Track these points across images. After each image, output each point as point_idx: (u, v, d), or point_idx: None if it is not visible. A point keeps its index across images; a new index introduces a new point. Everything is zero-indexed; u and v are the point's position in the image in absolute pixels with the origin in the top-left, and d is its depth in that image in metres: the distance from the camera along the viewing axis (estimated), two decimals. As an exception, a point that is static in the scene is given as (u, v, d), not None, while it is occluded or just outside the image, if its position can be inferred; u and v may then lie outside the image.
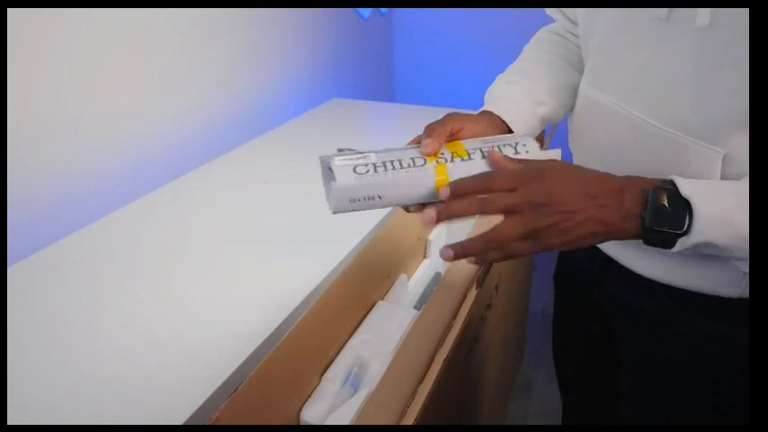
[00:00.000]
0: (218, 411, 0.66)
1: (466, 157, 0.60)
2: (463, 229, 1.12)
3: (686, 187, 0.52)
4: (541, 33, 0.89)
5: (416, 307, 1.08)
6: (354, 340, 0.92)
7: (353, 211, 0.59)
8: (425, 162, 0.59)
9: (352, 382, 0.83)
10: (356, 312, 0.96)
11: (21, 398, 0.66)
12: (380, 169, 0.57)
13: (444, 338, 0.89)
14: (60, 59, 1.05)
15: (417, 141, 0.63)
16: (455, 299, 0.96)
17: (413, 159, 0.59)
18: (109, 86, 1.15)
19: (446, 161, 0.59)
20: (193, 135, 1.39)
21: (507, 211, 0.54)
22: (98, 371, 0.70)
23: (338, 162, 0.58)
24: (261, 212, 1.08)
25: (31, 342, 0.76)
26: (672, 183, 0.53)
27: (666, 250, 0.54)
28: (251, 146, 1.42)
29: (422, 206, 0.61)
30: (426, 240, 1.22)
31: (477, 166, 0.60)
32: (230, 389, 0.69)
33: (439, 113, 1.78)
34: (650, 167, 0.59)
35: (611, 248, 0.75)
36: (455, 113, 0.67)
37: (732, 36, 0.52)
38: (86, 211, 1.08)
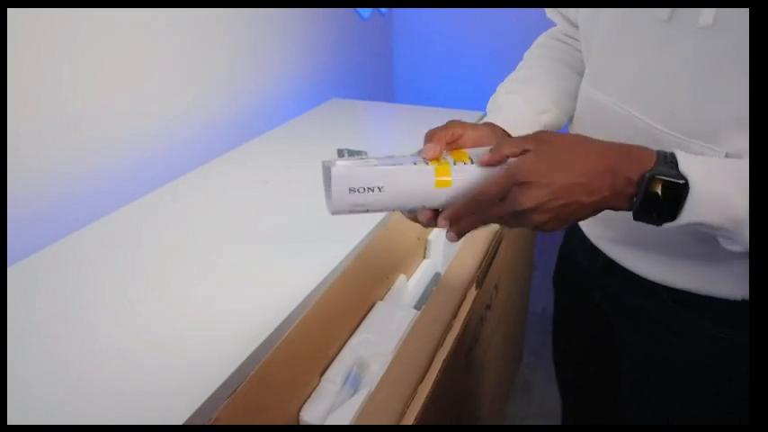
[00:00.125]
0: (218, 411, 0.66)
1: (468, 161, 0.59)
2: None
3: (687, 165, 0.51)
4: (542, 39, 0.88)
5: (416, 307, 1.08)
6: (354, 340, 0.92)
7: (352, 210, 0.58)
8: (427, 163, 0.59)
9: (352, 383, 0.83)
10: (356, 312, 0.96)
11: (21, 398, 0.66)
12: (381, 164, 0.58)
13: (444, 339, 0.89)
14: (60, 59, 1.05)
15: None
16: (455, 299, 0.96)
17: (414, 162, 0.59)
18: (109, 86, 1.15)
19: (448, 162, 0.59)
20: (193, 135, 1.39)
21: (502, 222, 0.56)
22: (98, 371, 0.70)
23: (340, 164, 0.57)
24: (261, 212, 1.08)
25: (31, 342, 0.76)
26: (672, 158, 0.53)
27: (670, 253, 0.54)
28: (251, 146, 1.42)
29: (433, 212, 0.61)
30: (426, 241, 1.22)
31: (478, 170, 0.60)
32: (230, 389, 0.69)
33: (438, 114, 1.78)
34: None
35: (614, 251, 0.75)
36: (457, 120, 0.67)
37: (736, 37, 0.52)
38: (86, 211, 1.08)
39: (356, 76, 2.23)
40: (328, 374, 0.86)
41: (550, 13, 0.86)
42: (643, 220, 0.54)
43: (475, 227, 0.57)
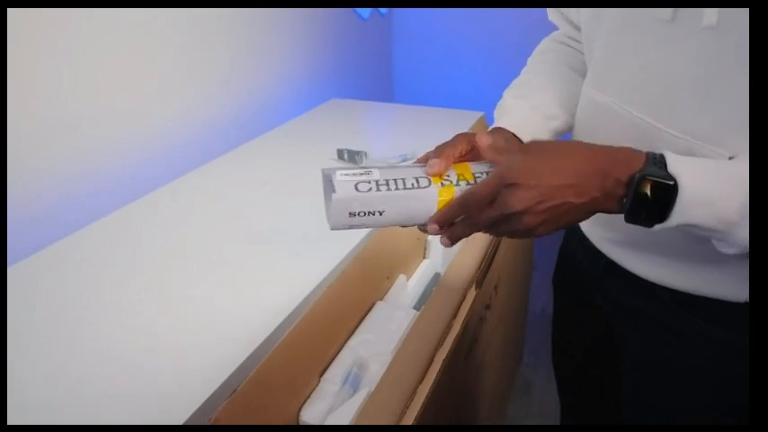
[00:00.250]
0: (218, 411, 0.66)
1: (472, 180, 0.58)
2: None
3: (675, 165, 0.52)
4: (545, 43, 0.88)
5: (416, 307, 1.08)
6: (354, 341, 0.92)
7: (351, 228, 0.57)
8: (430, 183, 0.57)
9: (352, 383, 0.83)
10: (356, 313, 0.96)
11: (21, 398, 0.66)
12: (383, 187, 0.56)
13: (444, 339, 0.89)
14: (60, 59, 1.05)
15: (425, 160, 0.61)
16: (454, 299, 0.96)
17: (417, 180, 0.57)
18: (109, 86, 1.15)
19: (452, 183, 0.58)
20: (193, 135, 1.39)
21: (492, 227, 0.56)
22: (98, 371, 0.71)
23: (340, 176, 0.56)
24: (261, 213, 1.08)
25: (31, 342, 0.76)
26: (662, 159, 0.53)
27: (672, 255, 0.54)
28: (250, 146, 1.42)
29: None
30: (426, 241, 1.22)
31: None
32: (230, 389, 0.69)
33: (438, 114, 1.77)
34: None
35: (615, 252, 0.75)
36: (465, 133, 0.66)
37: (739, 37, 0.51)
38: (86, 211, 1.08)
39: (356, 77, 2.23)
40: (328, 375, 0.86)
41: (552, 16, 0.86)
42: (634, 222, 0.54)
43: (468, 232, 0.57)
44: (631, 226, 0.55)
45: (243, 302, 0.82)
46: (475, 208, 0.55)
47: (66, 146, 1.08)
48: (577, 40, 0.84)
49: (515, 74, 0.90)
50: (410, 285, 1.13)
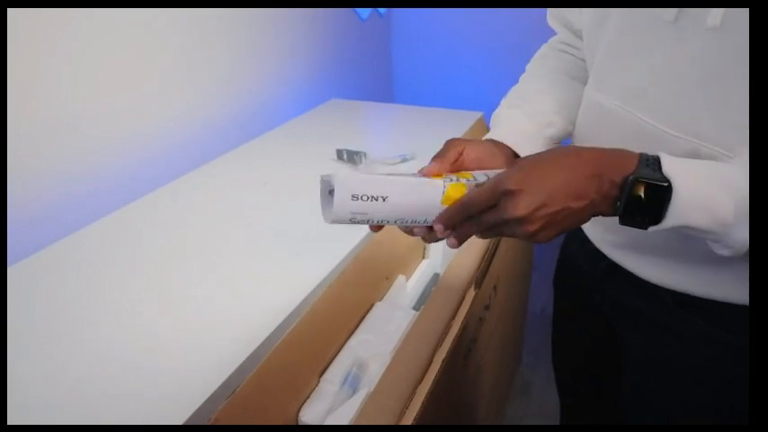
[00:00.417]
0: (218, 411, 0.67)
1: (471, 179, 0.59)
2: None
3: (670, 166, 0.52)
4: (543, 50, 0.88)
5: (415, 308, 1.09)
6: (353, 341, 0.92)
7: (351, 218, 0.55)
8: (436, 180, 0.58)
9: (351, 383, 0.83)
10: (355, 313, 0.96)
11: (21, 398, 0.66)
12: (389, 176, 0.56)
13: (443, 339, 0.89)
14: (60, 59, 1.05)
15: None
16: (453, 300, 0.96)
17: (423, 176, 0.59)
18: (109, 86, 1.15)
19: (462, 183, 0.58)
20: (193, 135, 1.39)
21: (494, 229, 0.56)
22: (98, 371, 0.71)
23: (342, 172, 0.56)
24: (260, 213, 1.08)
25: (31, 342, 0.76)
26: (656, 160, 0.53)
27: (676, 257, 0.53)
28: (250, 146, 1.42)
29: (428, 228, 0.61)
30: (425, 241, 1.22)
31: None
32: (230, 389, 0.69)
33: (438, 114, 1.77)
34: None
35: (618, 255, 0.75)
36: (453, 139, 0.66)
37: (744, 37, 0.51)
38: (86, 211, 1.08)
39: (355, 77, 2.24)
40: (327, 375, 0.86)
41: (552, 21, 0.86)
42: (629, 224, 0.54)
43: (474, 231, 0.57)
44: (634, 229, 0.55)
45: (243, 302, 0.82)
46: (475, 212, 0.55)
47: (66, 146, 1.08)
48: (575, 47, 0.84)
49: (515, 74, 0.90)
50: (409, 286, 1.14)
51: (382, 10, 2.37)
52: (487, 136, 0.75)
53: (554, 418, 1.19)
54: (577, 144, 0.78)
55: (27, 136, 1.00)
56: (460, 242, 0.59)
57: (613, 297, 0.80)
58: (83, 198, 1.12)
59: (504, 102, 0.81)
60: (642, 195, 0.52)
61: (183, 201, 1.14)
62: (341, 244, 0.95)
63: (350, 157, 1.29)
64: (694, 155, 0.58)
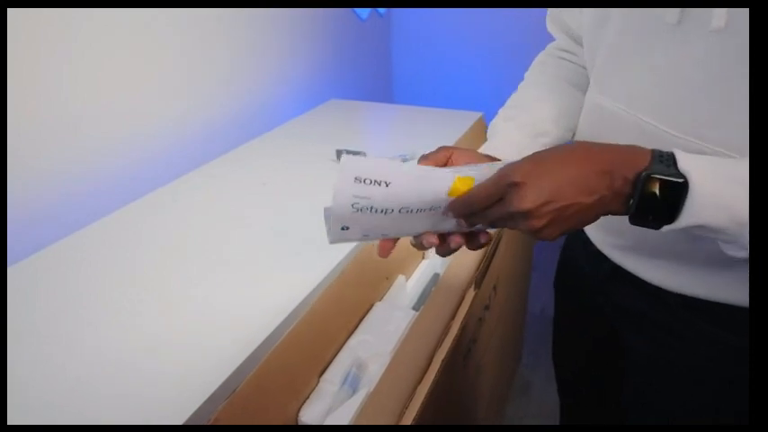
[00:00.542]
0: (218, 412, 0.67)
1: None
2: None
3: (686, 163, 0.49)
4: (541, 57, 0.88)
5: (415, 308, 1.09)
6: (353, 341, 0.92)
7: (354, 204, 0.53)
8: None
9: (351, 383, 0.84)
10: (354, 313, 0.96)
11: (21, 398, 0.66)
12: (394, 162, 0.54)
13: (442, 339, 0.89)
14: (60, 59, 1.05)
15: None
16: (453, 300, 0.96)
17: (430, 167, 0.57)
18: (109, 86, 1.15)
19: (473, 178, 0.56)
20: (193, 135, 1.39)
21: (500, 222, 0.55)
22: (98, 371, 0.71)
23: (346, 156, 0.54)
24: (260, 213, 1.08)
25: (31, 342, 0.76)
26: (670, 157, 0.51)
27: (682, 260, 0.52)
28: (250, 146, 1.43)
29: (440, 237, 0.60)
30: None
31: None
32: (229, 389, 0.69)
33: (438, 114, 1.77)
34: None
35: (621, 258, 0.74)
36: (446, 147, 0.66)
37: (748, 39, 0.51)
38: (86, 211, 1.08)
39: (355, 77, 2.24)
40: (327, 375, 0.86)
41: (551, 26, 0.86)
42: (640, 224, 0.53)
43: (484, 222, 0.57)
44: (638, 231, 0.53)
45: (242, 303, 0.82)
46: (480, 205, 0.54)
47: (66, 146, 1.08)
48: (574, 53, 0.83)
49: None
50: (409, 286, 1.14)
51: (382, 10, 2.37)
52: (482, 148, 0.75)
53: (554, 419, 1.19)
54: None
55: (27, 136, 1.01)
56: (471, 227, 0.58)
57: (616, 299, 0.80)
58: (83, 198, 1.12)
59: (500, 112, 0.81)
60: (657, 192, 0.50)
61: (183, 201, 1.14)
62: (340, 244, 0.95)
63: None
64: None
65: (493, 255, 1.12)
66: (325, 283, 0.87)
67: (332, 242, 0.59)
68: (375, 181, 0.52)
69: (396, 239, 0.62)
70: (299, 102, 1.82)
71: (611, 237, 0.75)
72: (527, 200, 0.50)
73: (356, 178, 0.52)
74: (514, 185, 0.51)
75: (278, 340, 0.77)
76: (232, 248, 0.96)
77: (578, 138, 0.78)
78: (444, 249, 0.62)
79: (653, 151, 0.51)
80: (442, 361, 0.85)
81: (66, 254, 0.96)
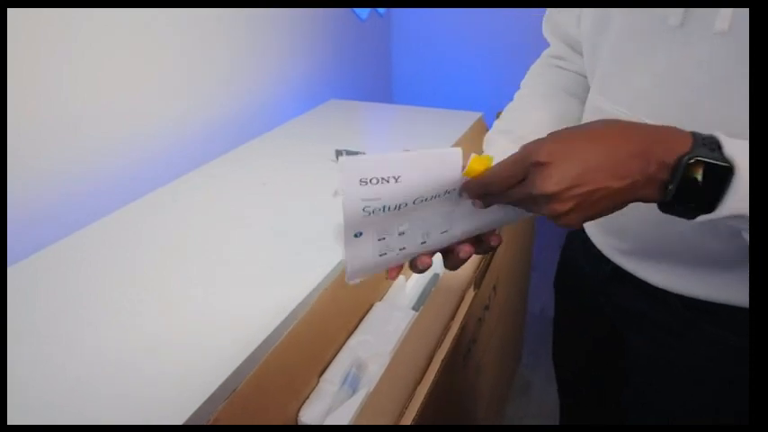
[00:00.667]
0: (218, 412, 0.67)
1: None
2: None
3: (731, 147, 0.46)
4: (536, 67, 0.87)
5: (414, 308, 1.09)
6: (353, 341, 0.92)
7: (366, 209, 0.49)
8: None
9: (351, 383, 0.84)
10: (354, 313, 0.96)
11: (21, 398, 0.66)
12: (398, 153, 0.50)
13: (442, 340, 0.89)
14: (60, 59, 1.05)
15: None
16: (453, 300, 0.96)
17: (439, 149, 0.52)
18: (109, 86, 1.15)
19: (491, 158, 0.52)
20: (193, 135, 1.39)
21: (521, 205, 0.51)
22: (98, 371, 0.71)
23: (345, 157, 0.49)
24: (260, 213, 1.08)
25: (31, 342, 0.76)
26: (713, 140, 0.47)
27: (686, 262, 0.51)
28: (250, 146, 1.43)
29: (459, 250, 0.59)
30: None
31: None
32: (229, 389, 0.69)
33: (437, 114, 1.77)
34: None
35: (624, 261, 0.74)
36: None
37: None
38: (86, 211, 1.08)
39: (354, 77, 2.24)
40: (327, 375, 0.86)
41: (546, 32, 0.86)
42: (674, 212, 0.49)
43: (500, 203, 0.53)
44: (640, 233, 0.52)
45: (242, 303, 0.82)
46: (499, 185, 0.50)
47: (66, 146, 1.08)
48: (569, 60, 0.83)
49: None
50: (409, 286, 1.14)
51: (381, 10, 2.37)
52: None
53: (554, 419, 1.19)
54: None
55: (27, 136, 1.01)
56: (487, 207, 0.54)
57: (616, 299, 0.80)
58: (83, 198, 1.12)
59: (496, 124, 0.81)
60: (699, 178, 0.45)
61: (183, 201, 1.14)
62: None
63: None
64: None
65: (492, 255, 1.12)
66: (325, 283, 0.87)
67: (350, 278, 0.56)
68: (382, 179, 0.48)
69: (402, 265, 0.61)
70: (299, 102, 1.82)
71: (612, 239, 0.75)
72: (551, 182, 0.46)
73: (361, 180, 0.47)
74: (538, 165, 0.47)
75: (278, 340, 0.77)
76: (232, 248, 0.96)
77: None
78: (454, 261, 0.60)
79: (693, 133, 0.47)
80: (442, 361, 0.85)
81: (66, 254, 0.96)
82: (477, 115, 1.57)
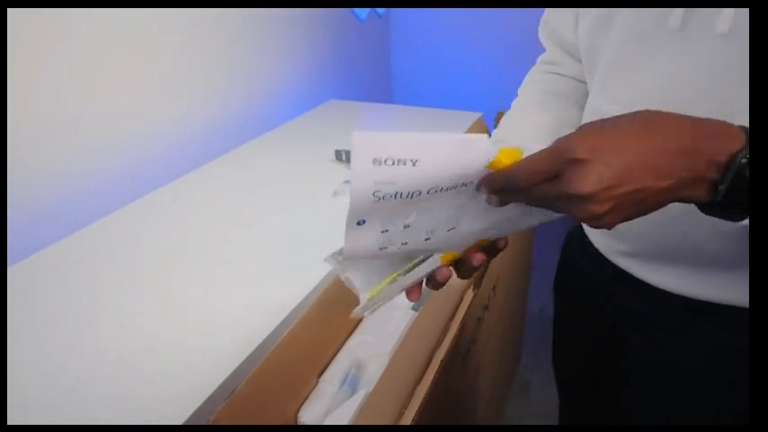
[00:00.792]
0: (217, 412, 0.67)
1: None
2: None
3: None
4: (532, 74, 0.87)
5: (414, 308, 1.09)
6: (352, 341, 0.92)
7: (376, 194, 0.43)
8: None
9: (350, 384, 0.84)
10: (354, 313, 0.96)
11: (21, 398, 0.66)
12: (419, 134, 0.44)
13: (442, 340, 0.89)
14: (60, 59, 1.05)
15: None
16: (452, 300, 0.96)
17: (465, 134, 0.45)
18: (109, 86, 1.15)
19: (520, 150, 0.47)
20: (193, 135, 1.39)
21: (548, 203, 0.46)
22: (98, 371, 0.71)
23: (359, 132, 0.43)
24: (260, 213, 1.08)
25: (31, 342, 0.76)
26: None
27: (689, 264, 0.50)
28: (250, 146, 1.43)
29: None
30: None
31: None
32: (229, 390, 0.69)
33: (437, 115, 1.77)
34: None
35: (625, 263, 0.74)
36: None
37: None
38: (86, 211, 1.08)
39: (354, 78, 2.24)
40: (326, 375, 0.86)
41: (542, 36, 0.85)
42: (719, 215, 0.45)
43: (521, 201, 0.47)
44: (642, 235, 0.51)
45: (242, 303, 0.82)
46: (526, 181, 0.44)
47: (66, 146, 1.08)
48: (564, 64, 0.83)
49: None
50: (409, 286, 1.14)
51: (381, 10, 2.37)
52: None
53: (553, 418, 1.19)
54: None
55: (27, 136, 1.01)
56: (502, 205, 0.48)
57: (616, 299, 0.80)
58: (83, 198, 1.12)
59: (494, 134, 0.80)
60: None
61: (183, 201, 1.14)
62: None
63: (349, 157, 1.29)
64: None
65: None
66: (325, 282, 0.87)
67: (347, 256, 0.50)
68: (399, 160, 0.42)
69: (421, 285, 0.58)
70: (299, 102, 1.82)
71: (612, 241, 0.75)
72: (589, 181, 0.41)
73: (375, 160, 0.41)
74: (575, 162, 0.42)
75: (277, 340, 0.77)
76: (232, 248, 0.96)
77: None
78: (467, 269, 0.57)
79: (742, 128, 0.44)
80: (441, 361, 0.85)
81: (66, 254, 0.96)
82: (476, 115, 1.57)
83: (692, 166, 0.42)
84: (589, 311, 0.88)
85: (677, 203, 0.45)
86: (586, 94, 0.75)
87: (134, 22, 1.18)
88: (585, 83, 0.76)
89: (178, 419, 0.63)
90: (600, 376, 0.98)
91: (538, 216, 0.53)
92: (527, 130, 0.78)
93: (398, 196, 0.44)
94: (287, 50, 1.75)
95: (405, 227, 0.49)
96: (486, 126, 1.64)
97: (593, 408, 1.04)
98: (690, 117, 0.44)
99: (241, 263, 0.92)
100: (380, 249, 0.51)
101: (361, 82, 2.31)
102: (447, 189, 0.46)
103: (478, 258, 0.55)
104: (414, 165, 0.42)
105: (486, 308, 1.15)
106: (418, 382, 0.81)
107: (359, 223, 0.47)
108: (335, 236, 0.91)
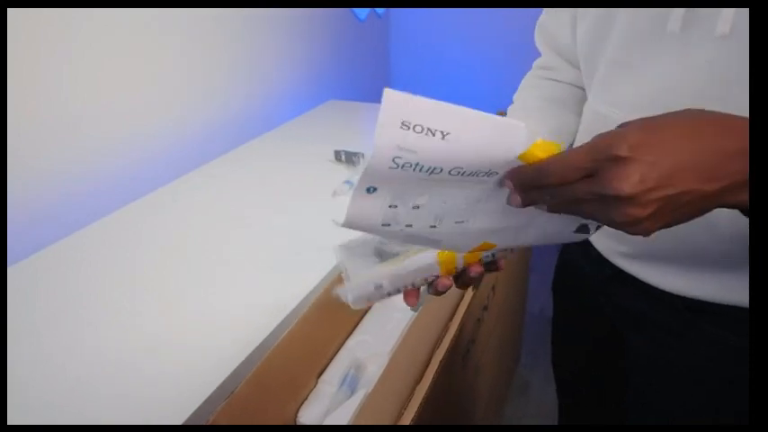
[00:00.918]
0: (217, 412, 0.67)
1: None
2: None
3: None
4: (528, 80, 0.87)
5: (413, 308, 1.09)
6: (351, 342, 0.92)
7: (392, 166, 0.39)
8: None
9: (349, 384, 0.84)
10: (353, 314, 0.96)
11: (21, 398, 0.66)
12: (453, 105, 0.41)
13: (441, 340, 0.89)
14: (60, 59, 1.05)
15: None
16: (452, 300, 0.96)
17: (503, 117, 0.42)
18: (109, 86, 1.15)
19: (558, 144, 0.43)
20: (193, 135, 1.40)
21: (577, 205, 0.41)
22: (98, 371, 0.71)
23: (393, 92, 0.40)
24: (260, 213, 1.08)
25: (31, 342, 0.76)
26: None
27: (690, 264, 0.50)
28: (250, 146, 1.43)
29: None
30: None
31: None
32: (228, 390, 0.69)
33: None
34: None
35: (626, 264, 0.74)
36: None
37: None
38: (86, 211, 1.08)
39: (353, 78, 2.24)
40: (325, 376, 0.86)
41: (538, 41, 0.85)
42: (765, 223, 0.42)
43: (546, 202, 0.43)
44: (646, 239, 0.49)
45: (242, 303, 0.83)
46: (559, 178, 0.40)
47: (67, 146, 1.08)
48: (559, 69, 0.83)
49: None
50: (408, 286, 1.14)
51: (380, 10, 2.37)
52: None
53: (552, 418, 1.19)
54: None
55: (27, 136, 1.01)
56: (525, 204, 0.44)
57: (616, 299, 0.80)
58: (83, 198, 1.12)
59: None
60: None
61: (183, 201, 1.14)
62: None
63: (348, 158, 1.29)
64: None
65: (492, 255, 1.12)
66: (324, 283, 0.87)
67: (346, 222, 0.46)
68: (429, 129, 0.39)
69: (419, 290, 0.58)
70: (298, 102, 1.82)
71: (612, 242, 0.75)
72: (631, 181, 0.37)
73: (404, 123, 0.38)
74: (617, 160, 0.38)
75: (277, 340, 0.77)
76: (232, 248, 0.96)
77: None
78: (464, 280, 0.57)
79: None
80: (441, 361, 0.85)
81: (66, 254, 0.97)
82: (476, 116, 1.57)
83: (745, 167, 0.39)
84: (589, 311, 0.88)
85: None
86: (583, 101, 0.75)
87: (134, 22, 1.18)
88: (582, 89, 0.76)
89: (178, 419, 0.63)
90: (599, 376, 0.98)
91: (552, 227, 0.50)
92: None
93: (418, 168, 0.40)
94: (287, 50, 1.75)
95: (414, 207, 0.45)
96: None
97: (593, 408, 1.04)
98: (740, 116, 0.41)
99: (241, 263, 0.92)
100: (383, 225, 0.46)
101: (360, 82, 2.31)
102: (469, 174, 0.42)
103: (477, 270, 0.55)
104: (443, 138, 0.39)
105: (485, 308, 1.15)
106: (417, 382, 0.82)
107: (368, 190, 0.42)
108: (335, 236, 0.91)
